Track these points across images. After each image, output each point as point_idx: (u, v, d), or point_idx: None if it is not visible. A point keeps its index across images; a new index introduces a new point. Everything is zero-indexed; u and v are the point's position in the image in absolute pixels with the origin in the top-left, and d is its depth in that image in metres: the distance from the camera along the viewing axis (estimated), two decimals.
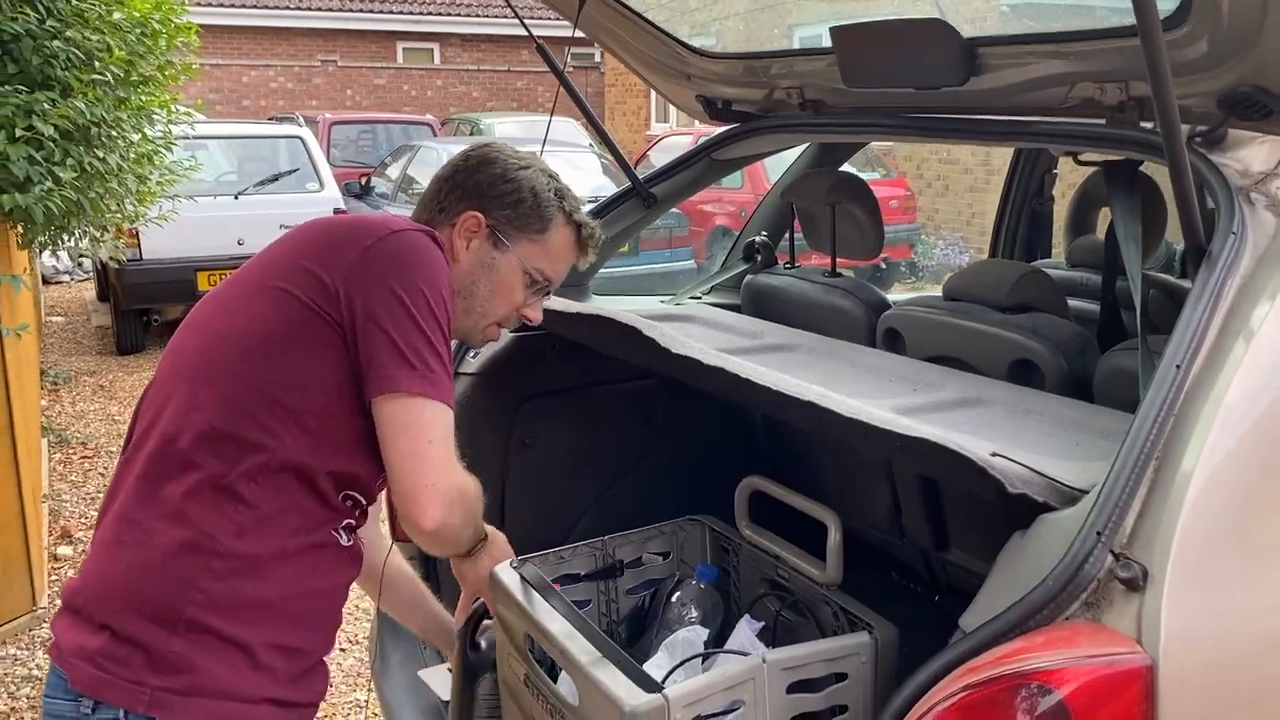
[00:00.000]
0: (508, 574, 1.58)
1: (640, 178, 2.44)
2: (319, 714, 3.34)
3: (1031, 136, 1.82)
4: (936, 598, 2.37)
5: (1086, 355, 1.92)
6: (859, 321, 2.35)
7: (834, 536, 1.54)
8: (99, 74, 3.25)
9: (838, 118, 2.20)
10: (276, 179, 7.99)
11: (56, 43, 3.20)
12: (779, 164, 5.16)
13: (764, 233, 2.74)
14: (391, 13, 19.31)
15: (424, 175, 9.41)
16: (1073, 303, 2.39)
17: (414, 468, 1.30)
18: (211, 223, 7.51)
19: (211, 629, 1.28)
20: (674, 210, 8.84)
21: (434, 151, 9.38)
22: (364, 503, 1.44)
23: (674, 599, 1.71)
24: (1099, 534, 1.15)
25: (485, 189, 1.55)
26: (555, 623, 1.44)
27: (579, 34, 2.26)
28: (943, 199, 11.90)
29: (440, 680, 2.05)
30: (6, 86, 3.12)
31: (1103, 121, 1.67)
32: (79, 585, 1.35)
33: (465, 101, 18.89)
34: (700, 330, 2.33)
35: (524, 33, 2.21)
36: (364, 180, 10.54)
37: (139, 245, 7.31)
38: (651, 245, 8.25)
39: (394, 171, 10.32)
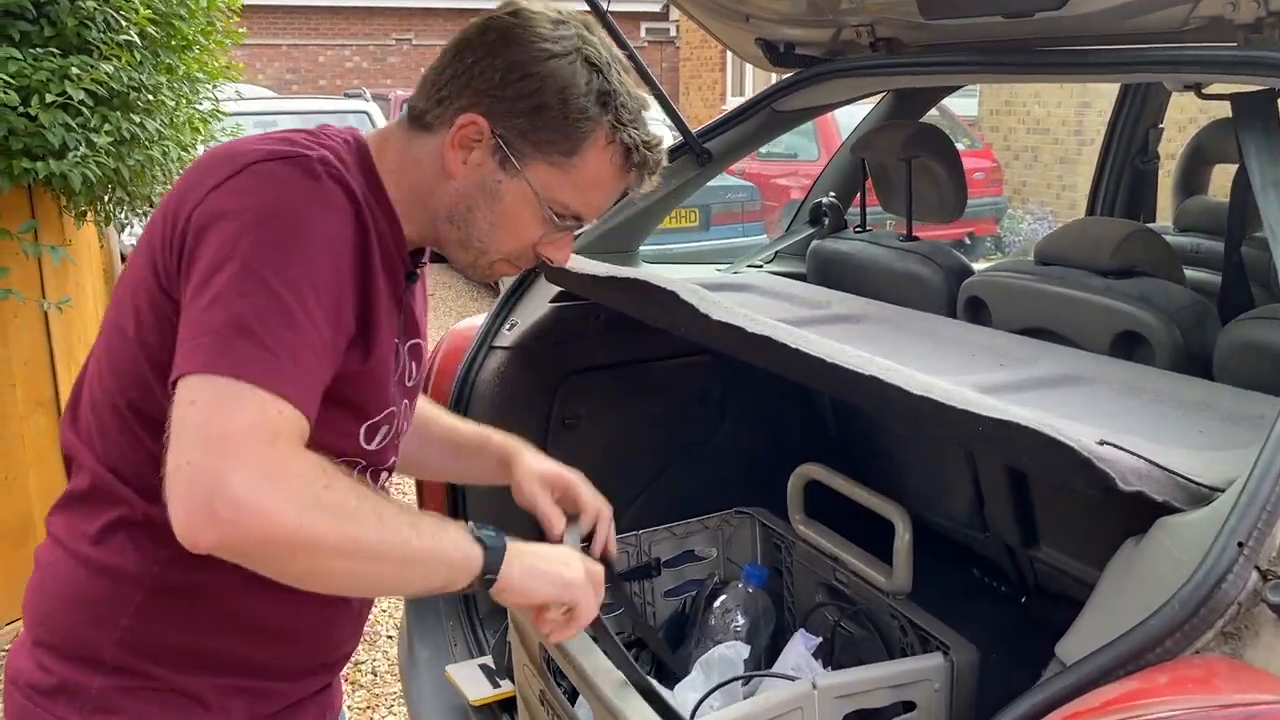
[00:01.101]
0: None
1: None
2: (363, 705, 3.23)
3: (1146, 66, 1.55)
4: (1024, 599, 2.11)
5: (1205, 327, 1.64)
6: (938, 290, 2.09)
7: (903, 537, 1.30)
8: (126, 35, 3.13)
9: (915, 58, 1.95)
10: None
11: (92, 3, 3.07)
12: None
13: (832, 193, 2.49)
14: None
15: None
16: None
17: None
18: None
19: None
20: (746, 183, 8.56)
21: None
22: None
23: (717, 604, 1.49)
24: (1241, 545, 0.90)
25: (495, 84, 1.09)
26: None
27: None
28: (1030, 171, 11.37)
29: (468, 677, 1.88)
30: (40, 50, 3.01)
31: (1234, 45, 1.40)
32: None
33: None
34: (758, 300, 2.10)
35: (600, 4, 1.96)
36: None
37: None
38: (722, 220, 7.98)
39: None
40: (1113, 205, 3.17)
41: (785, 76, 2.18)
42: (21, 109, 2.96)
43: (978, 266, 2.15)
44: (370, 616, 1.53)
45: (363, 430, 1.13)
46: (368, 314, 1.04)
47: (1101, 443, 0.99)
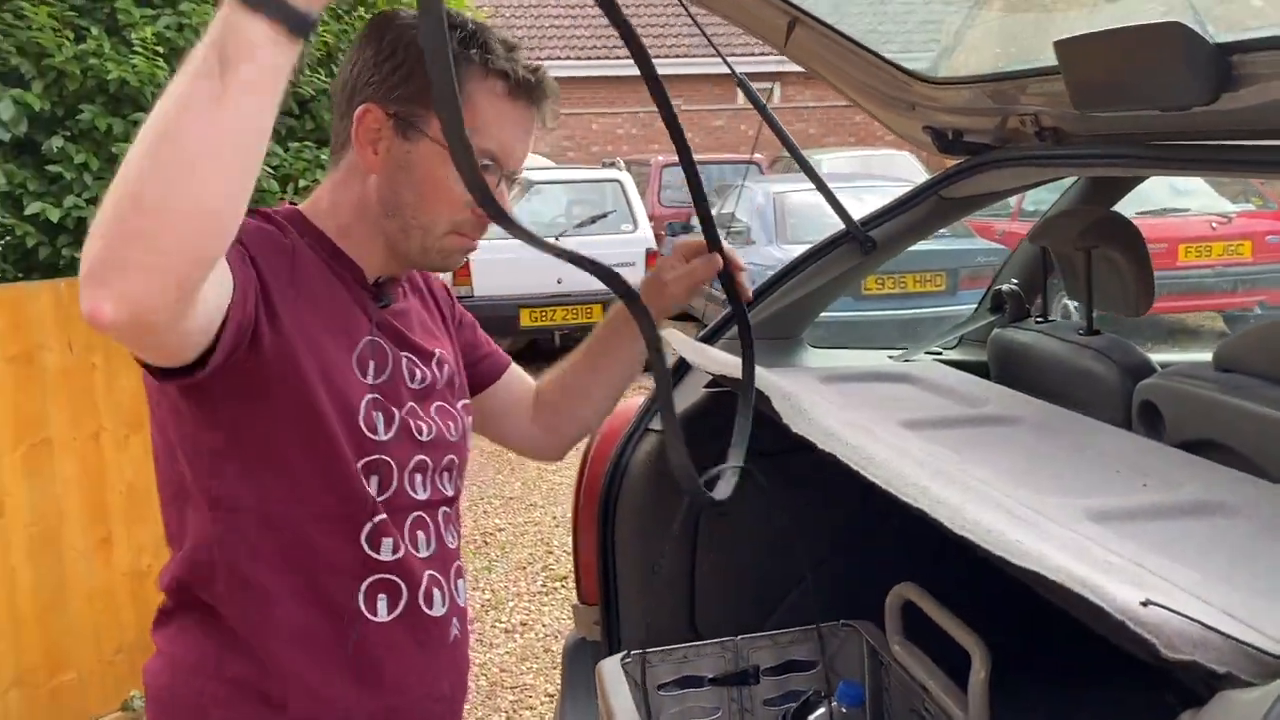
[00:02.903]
0: (613, 670, 1.41)
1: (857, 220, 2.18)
2: (485, 695, 3.32)
3: None
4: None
5: None
6: (1113, 389, 1.95)
7: (978, 674, 1.22)
8: None
9: (1081, 148, 1.84)
10: (594, 221, 8.33)
11: None
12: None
13: (1014, 280, 2.37)
14: (734, 54, 19.70)
15: (743, 213, 9.43)
16: None
17: None
18: (534, 263, 7.91)
19: None
20: (997, 246, 8.21)
21: (753, 190, 9.37)
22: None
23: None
24: None
25: (372, 71, 1.19)
26: None
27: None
28: None
29: None
30: (297, 143, 3.41)
31: None
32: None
33: (801, 138, 18.69)
34: (915, 394, 2.03)
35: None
36: (686, 220, 10.75)
37: (471, 282, 7.88)
38: (971, 284, 7.68)
39: (715, 210, 10.44)
40: None
41: (954, 164, 2.11)
42: (281, 195, 3.36)
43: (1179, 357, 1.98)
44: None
45: (360, 419, 1.18)
46: (269, 307, 1.11)
47: (1146, 603, 0.90)
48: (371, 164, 1.20)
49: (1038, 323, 2.27)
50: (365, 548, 1.20)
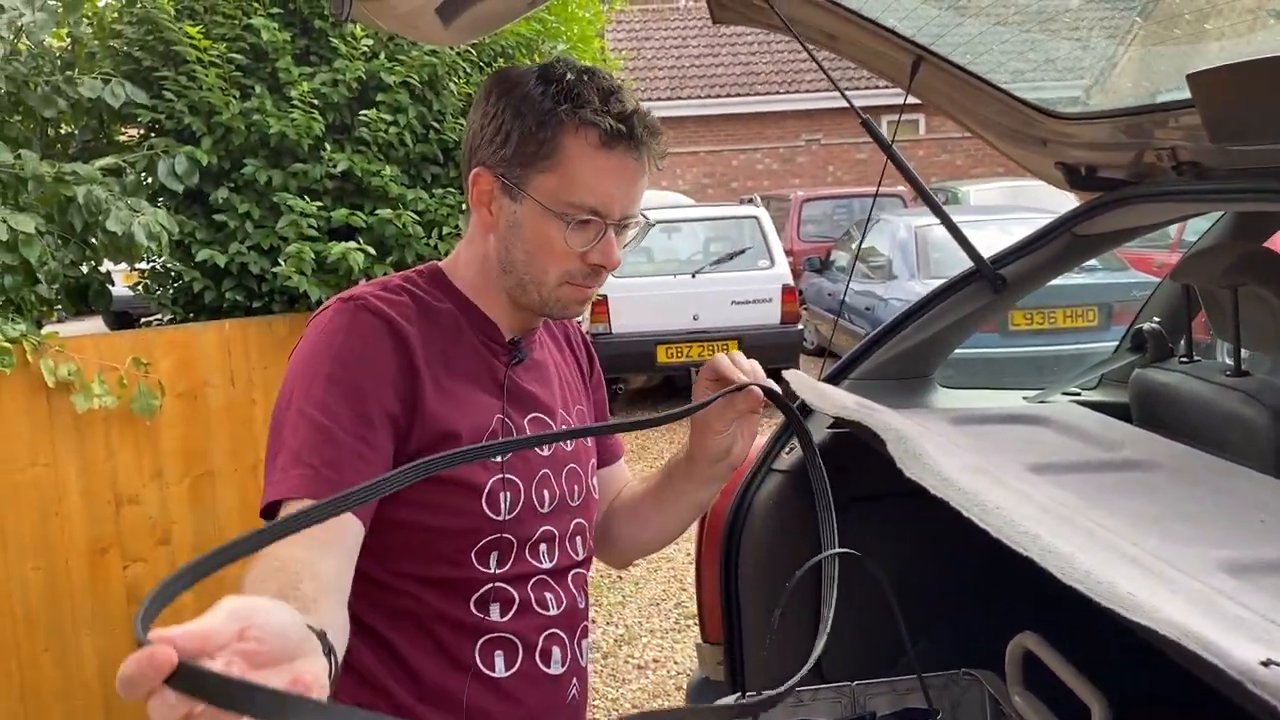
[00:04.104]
0: None
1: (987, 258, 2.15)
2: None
3: None
4: None
5: None
6: (1263, 433, 1.85)
7: None
8: None
9: (1222, 183, 1.77)
10: (731, 258, 8.36)
11: None
12: None
13: (1156, 319, 2.28)
14: (878, 88, 19.52)
15: (882, 246, 9.29)
16: None
17: None
18: (671, 300, 8.05)
19: None
20: (1156, 280, 7.83)
21: (893, 223, 9.22)
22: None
23: None
24: None
25: (479, 136, 1.22)
26: None
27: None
28: None
29: None
30: (441, 189, 3.57)
31: None
32: None
33: (948, 170, 18.47)
34: (1048, 436, 1.97)
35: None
36: (824, 255, 10.66)
37: (608, 320, 8.01)
38: (1126, 319, 7.34)
39: (855, 244, 10.32)
40: None
41: (1087, 200, 2.06)
42: (426, 240, 3.51)
43: None
44: None
45: (484, 501, 1.20)
46: (416, 403, 1.15)
47: (1267, 662, 0.86)
48: (488, 224, 1.24)
49: (1182, 362, 2.18)
50: (474, 610, 1.22)
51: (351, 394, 1.13)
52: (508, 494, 1.22)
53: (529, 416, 1.29)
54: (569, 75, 1.20)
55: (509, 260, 1.24)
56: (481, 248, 1.27)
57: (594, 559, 1.42)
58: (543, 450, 1.29)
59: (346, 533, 1.08)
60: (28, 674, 2.94)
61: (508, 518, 1.22)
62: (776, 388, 1.24)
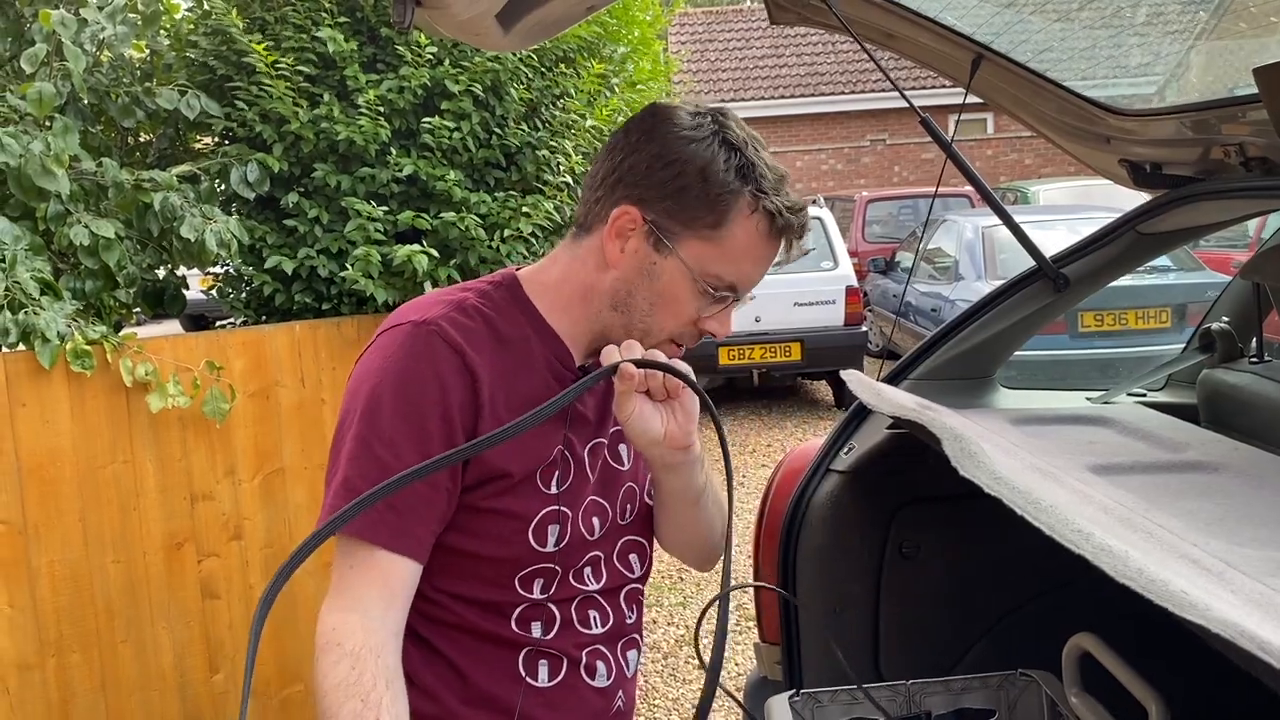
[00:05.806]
0: (781, 708, 1.43)
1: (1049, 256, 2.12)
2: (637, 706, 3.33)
3: None
4: None
5: None
6: None
7: None
8: (562, 177, 3.65)
9: None
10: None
11: (542, 152, 3.65)
12: None
13: (1225, 318, 2.23)
14: (943, 87, 19.26)
15: (948, 246, 9.17)
16: None
17: None
18: None
19: None
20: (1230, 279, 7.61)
21: (959, 224, 9.11)
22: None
23: None
24: None
25: (642, 174, 1.19)
26: None
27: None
28: None
29: None
30: (503, 193, 3.62)
31: None
32: None
33: (1016, 169, 18.17)
34: (1111, 437, 1.95)
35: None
36: (890, 256, 10.55)
37: None
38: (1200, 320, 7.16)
39: (921, 244, 10.21)
40: None
41: (1152, 198, 2.03)
42: (489, 243, 3.57)
43: None
44: None
45: (530, 533, 1.21)
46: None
47: None
48: (615, 260, 1.22)
49: (1252, 362, 2.14)
50: (515, 628, 1.24)
51: (415, 429, 1.15)
52: (556, 527, 1.23)
53: (589, 444, 1.29)
54: (750, 147, 1.19)
55: (628, 303, 1.22)
56: (589, 277, 1.24)
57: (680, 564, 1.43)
58: (593, 472, 1.28)
59: (408, 577, 1.17)
60: (108, 665, 3.04)
61: (554, 549, 1.23)
62: (664, 367, 1.16)
